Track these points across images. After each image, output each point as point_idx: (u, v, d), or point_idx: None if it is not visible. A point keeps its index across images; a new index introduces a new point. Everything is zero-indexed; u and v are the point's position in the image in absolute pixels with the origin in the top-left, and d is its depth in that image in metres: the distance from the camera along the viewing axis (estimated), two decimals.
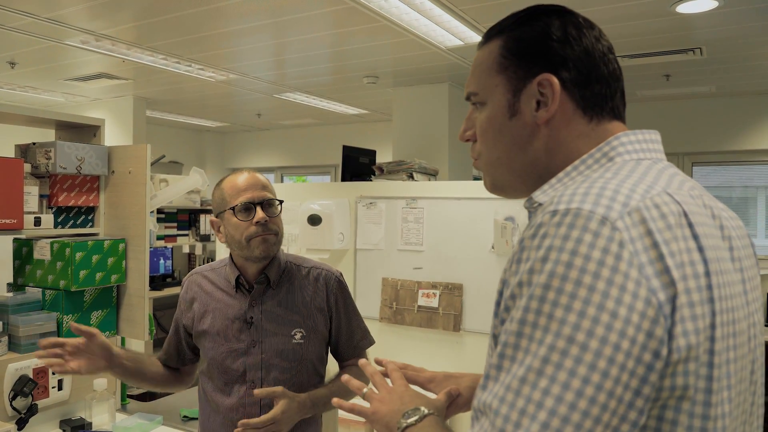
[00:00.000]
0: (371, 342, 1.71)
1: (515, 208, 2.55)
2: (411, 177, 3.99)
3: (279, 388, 1.44)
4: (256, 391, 1.43)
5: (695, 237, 0.63)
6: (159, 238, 6.75)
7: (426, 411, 0.84)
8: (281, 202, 1.59)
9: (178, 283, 6.91)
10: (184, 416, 2.05)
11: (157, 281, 6.83)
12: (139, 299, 2.13)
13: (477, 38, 3.60)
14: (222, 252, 4.67)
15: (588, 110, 0.75)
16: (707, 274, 0.62)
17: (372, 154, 4.58)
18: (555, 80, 0.74)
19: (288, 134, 7.72)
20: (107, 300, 2.11)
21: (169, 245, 6.93)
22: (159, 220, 6.77)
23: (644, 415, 0.59)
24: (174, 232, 7.01)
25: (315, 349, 1.58)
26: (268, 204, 1.54)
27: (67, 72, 4.54)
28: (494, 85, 0.78)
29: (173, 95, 5.45)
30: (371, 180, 4.11)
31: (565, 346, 0.58)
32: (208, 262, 6.99)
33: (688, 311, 0.60)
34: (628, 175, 0.67)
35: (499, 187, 0.83)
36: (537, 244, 0.62)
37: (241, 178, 1.56)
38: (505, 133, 0.78)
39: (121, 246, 2.12)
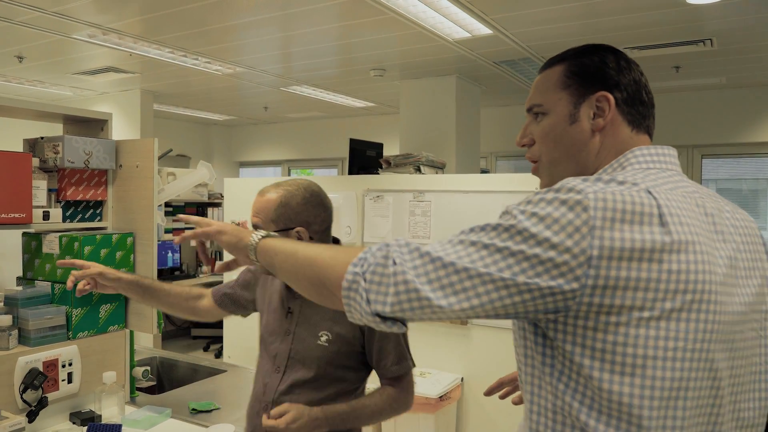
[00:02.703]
0: (407, 368, 1.58)
1: None
2: (418, 170, 3.97)
3: (287, 406, 1.42)
4: (265, 423, 1.40)
5: (662, 224, 0.77)
6: (167, 231, 6.78)
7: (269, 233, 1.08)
8: (261, 230, 1.50)
9: (187, 276, 6.94)
10: (193, 409, 2.06)
11: (165, 274, 6.87)
12: None
13: (485, 30, 3.57)
14: None
15: (631, 125, 0.94)
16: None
17: (379, 147, 4.56)
18: (611, 97, 0.93)
19: (295, 127, 7.72)
20: (116, 294, 2.12)
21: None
22: (167, 213, 6.80)
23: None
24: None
25: (339, 356, 1.54)
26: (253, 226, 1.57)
27: (74, 66, 4.55)
28: (558, 99, 0.96)
29: (180, 89, 5.45)
30: (378, 173, 4.10)
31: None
32: (215, 256, 6.94)
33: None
34: (631, 174, 0.85)
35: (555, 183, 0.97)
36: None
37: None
38: (566, 137, 0.95)
39: (129, 240, 2.12)
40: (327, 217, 1.59)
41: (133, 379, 2.25)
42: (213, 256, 7.38)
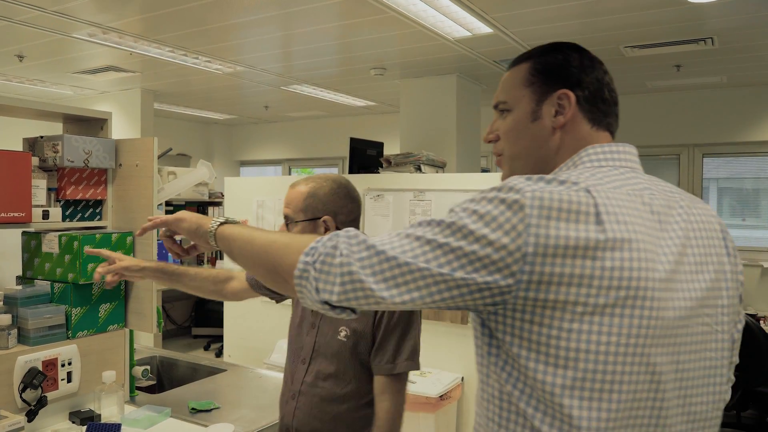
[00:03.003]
0: (403, 368, 1.58)
1: None
2: (419, 169, 3.97)
3: None
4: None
5: (599, 223, 0.79)
6: None
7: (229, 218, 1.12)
8: (292, 221, 1.64)
9: None
10: (192, 408, 2.06)
11: None
12: (147, 292, 2.13)
13: (485, 29, 3.57)
14: None
15: (592, 122, 0.96)
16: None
17: (379, 146, 4.56)
18: (572, 95, 0.95)
19: (295, 126, 7.72)
20: (115, 293, 2.12)
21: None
22: (167, 212, 6.78)
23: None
24: None
25: (356, 351, 1.60)
26: (286, 221, 1.66)
27: (74, 65, 4.55)
28: (521, 96, 0.98)
29: (181, 88, 5.45)
30: (378, 172, 4.10)
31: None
32: (216, 254, 6.91)
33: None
34: (577, 173, 0.87)
35: None
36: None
37: None
38: (527, 133, 0.98)
39: (129, 239, 2.12)
40: (354, 208, 1.66)
41: (132, 379, 2.25)
42: (213, 255, 7.39)
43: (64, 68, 4.65)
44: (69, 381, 1.94)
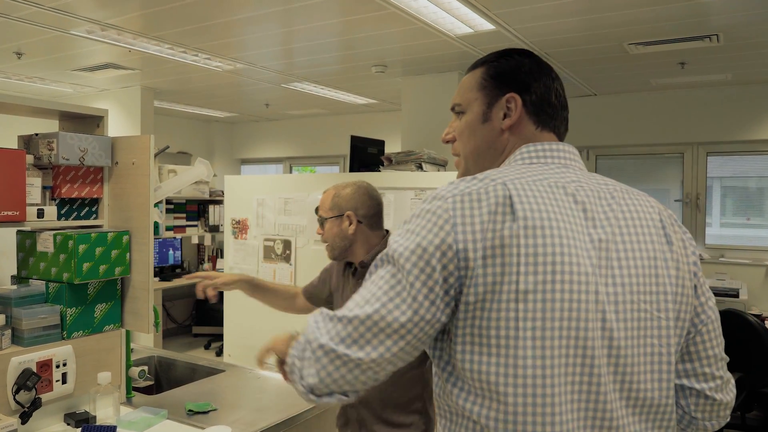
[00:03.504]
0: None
1: None
2: (420, 167, 3.94)
3: None
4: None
5: (513, 213, 0.85)
6: (168, 228, 6.76)
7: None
8: (323, 219, 1.96)
9: (188, 274, 6.92)
10: (189, 410, 2.03)
11: (166, 272, 6.85)
12: (143, 292, 2.10)
13: (487, 26, 3.53)
14: (230, 244, 4.66)
15: (537, 124, 1.02)
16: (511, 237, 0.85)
17: (380, 144, 4.52)
18: (519, 99, 1.02)
19: (296, 124, 7.68)
20: (111, 293, 2.09)
21: (178, 236, 6.93)
22: (168, 210, 6.78)
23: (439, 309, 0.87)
24: (183, 222, 7.02)
25: None
26: (319, 221, 1.99)
27: (73, 62, 4.52)
28: (474, 99, 1.05)
29: (181, 85, 5.42)
30: (379, 171, 4.07)
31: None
32: (217, 253, 6.91)
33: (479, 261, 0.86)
34: (505, 170, 0.95)
35: (468, 175, 1.04)
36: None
37: None
38: (478, 134, 1.05)
39: (125, 238, 2.09)
40: (374, 205, 1.96)
41: (129, 380, 2.22)
42: (213, 254, 7.36)
43: (63, 65, 4.62)
44: (64, 382, 1.91)
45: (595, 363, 0.85)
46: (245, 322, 4.54)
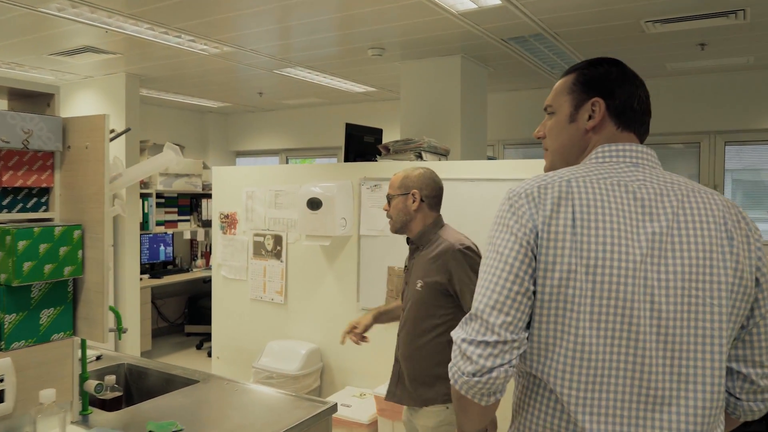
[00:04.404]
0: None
1: None
2: (420, 157, 3.65)
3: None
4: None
5: (571, 206, 1.04)
6: (159, 223, 6.48)
7: None
8: (392, 196, 2.30)
9: (180, 271, 6.65)
10: (150, 431, 1.76)
11: (157, 268, 6.58)
12: (98, 295, 1.83)
13: (493, 0, 3.23)
14: (218, 240, 4.38)
15: (619, 126, 1.16)
16: (573, 226, 1.03)
17: (378, 132, 4.24)
18: (603, 103, 1.16)
19: (293, 115, 7.39)
20: (61, 296, 1.81)
21: (170, 231, 6.66)
22: (158, 204, 6.49)
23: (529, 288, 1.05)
24: (174, 217, 6.74)
25: (429, 297, 2.17)
26: (388, 198, 2.32)
27: (49, 45, 4.23)
28: (563, 101, 1.21)
29: (168, 71, 5.13)
30: (376, 160, 3.79)
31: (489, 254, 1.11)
32: (210, 249, 6.63)
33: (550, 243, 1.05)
34: (577, 168, 1.12)
35: (555, 169, 1.19)
36: None
37: None
38: (565, 132, 1.20)
39: (77, 233, 1.81)
40: (436, 187, 2.29)
41: (85, 395, 1.95)
42: (207, 250, 7.09)
43: (38, 49, 4.32)
44: (1, 401, 1.64)
45: (640, 337, 0.99)
46: (234, 323, 4.27)
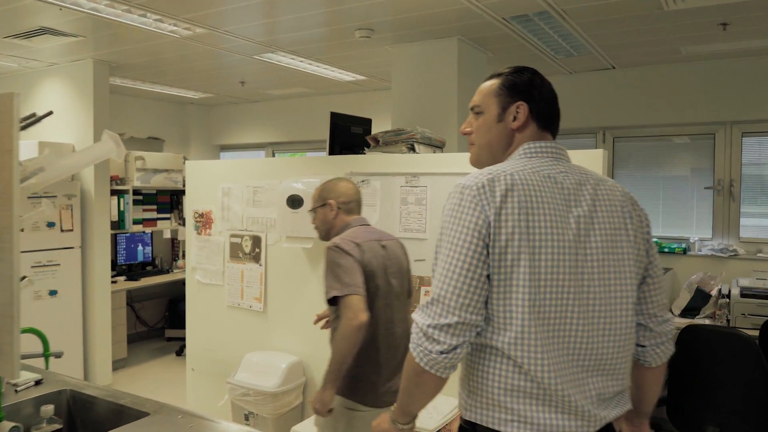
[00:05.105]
0: (329, 295, 2.19)
1: None
2: (412, 149, 3.28)
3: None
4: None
5: (515, 197, 1.26)
6: (136, 222, 6.06)
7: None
8: (314, 209, 2.47)
9: (160, 272, 6.25)
10: None
11: (135, 270, 6.18)
12: (5, 319, 1.45)
13: None
14: (192, 241, 3.96)
15: (540, 127, 1.43)
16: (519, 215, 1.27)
17: (366, 122, 3.85)
18: (526, 106, 1.42)
19: (279, 106, 6.99)
20: None
21: (148, 230, 6.25)
22: (136, 202, 6.08)
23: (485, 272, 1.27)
24: (153, 215, 6.33)
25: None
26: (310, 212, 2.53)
27: (1, 27, 3.82)
28: (491, 103, 1.45)
29: (141, 58, 4.73)
30: (364, 153, 3.42)
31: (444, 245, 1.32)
32: (182, 254, 6.14)
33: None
34: (513, 163, 1.37)
35: (481, 163, 1.48)
36: None
37: None
38: (493, 131, 1.45)
39: None
40: (351, 194, 2.44)
41: None
42: (182, 255, 6.68)
43: None
44: None
45: (578, 302, 1.27)
46: (210, 331, 3.89)
